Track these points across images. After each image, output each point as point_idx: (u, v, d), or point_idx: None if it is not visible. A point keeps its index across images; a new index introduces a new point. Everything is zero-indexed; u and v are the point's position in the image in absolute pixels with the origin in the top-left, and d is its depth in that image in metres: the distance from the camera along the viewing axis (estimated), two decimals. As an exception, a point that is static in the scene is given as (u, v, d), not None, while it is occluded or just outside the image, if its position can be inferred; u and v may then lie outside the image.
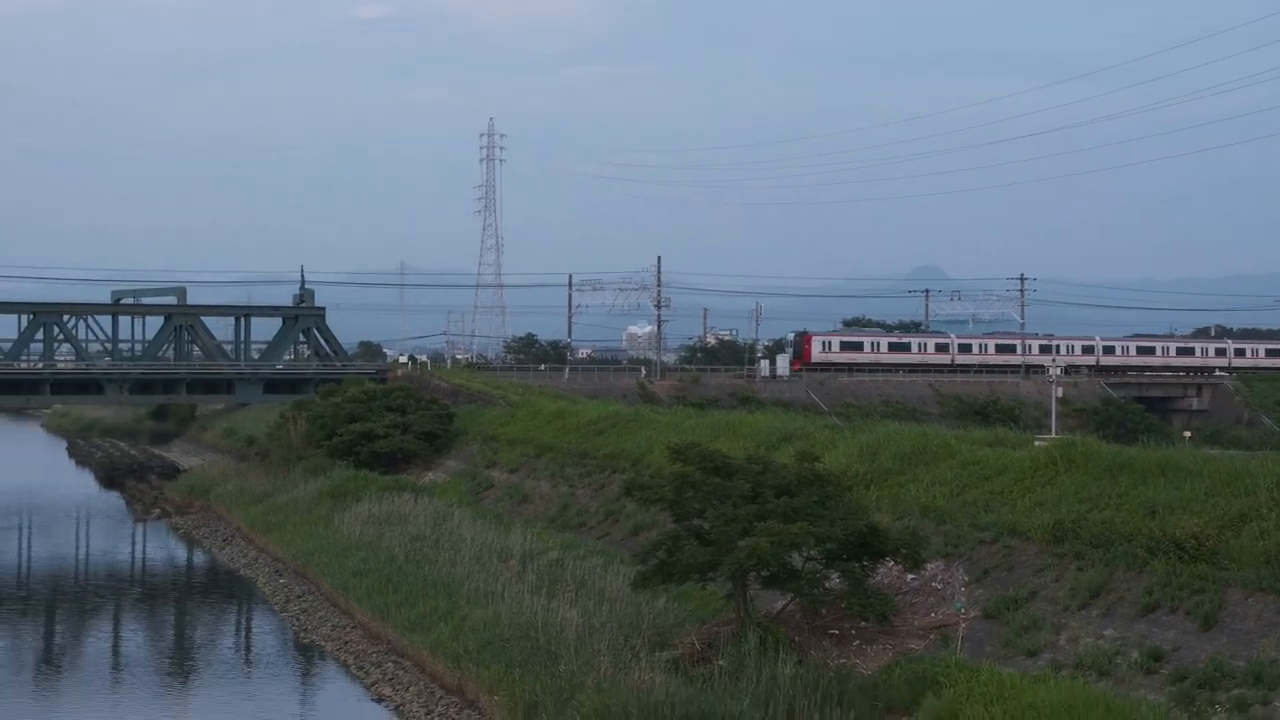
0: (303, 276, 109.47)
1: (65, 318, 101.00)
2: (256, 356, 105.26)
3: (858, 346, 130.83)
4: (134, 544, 75.75)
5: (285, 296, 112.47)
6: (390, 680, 42.55)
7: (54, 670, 46.94)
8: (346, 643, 47.85)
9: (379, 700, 41.21)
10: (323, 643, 48.71)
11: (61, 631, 54.07)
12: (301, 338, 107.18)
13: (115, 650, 50.87)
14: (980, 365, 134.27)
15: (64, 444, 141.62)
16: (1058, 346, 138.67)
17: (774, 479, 38.53)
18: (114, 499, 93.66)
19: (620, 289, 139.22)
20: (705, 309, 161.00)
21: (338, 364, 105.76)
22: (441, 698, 39.97)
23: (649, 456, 58.45)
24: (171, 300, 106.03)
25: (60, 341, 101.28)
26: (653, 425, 68.20)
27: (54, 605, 58.55)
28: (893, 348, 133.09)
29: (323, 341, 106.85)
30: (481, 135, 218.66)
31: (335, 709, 42.10)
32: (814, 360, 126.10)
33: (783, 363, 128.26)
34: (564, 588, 45.30)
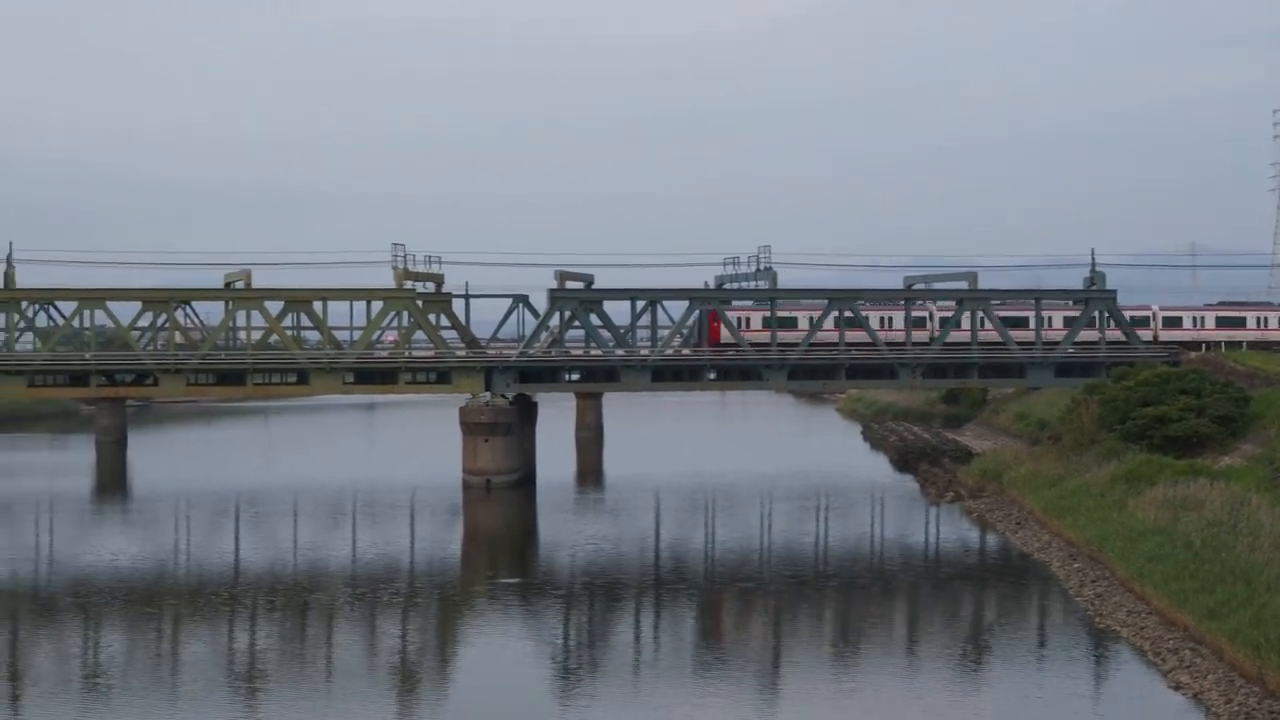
0: (1093, 259, 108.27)
1: (859, 302, 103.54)
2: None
3: (790, 323, 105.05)
4: (927, 526, 76.94)
5: (1075, 280, 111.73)
6: (1187, 667, 41.59)
7: (851, 642, 48.39)
8: (1141, 629, 47.09)
9: (1175, 688, 40.36)
10: (1117, 628, 48.11)
11: (856, 607, 55.48)
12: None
13: (912, 626, 51.90)
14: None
15: (858, 428, 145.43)
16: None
17: None
18: (907, 482, 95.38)
19: None
20: None
21: (1131, 347, 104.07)
22: (1241, 687, 38.78)
23: None
24: (963, 285, 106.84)
25: (854, 327, 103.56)
26: None
27: (852, 583, 60.21)
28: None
29: (1113, 325, 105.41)
30: (1275, 111, 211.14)
31: (1129, 694, 41.45)
32: (723, 342, 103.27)
33: None
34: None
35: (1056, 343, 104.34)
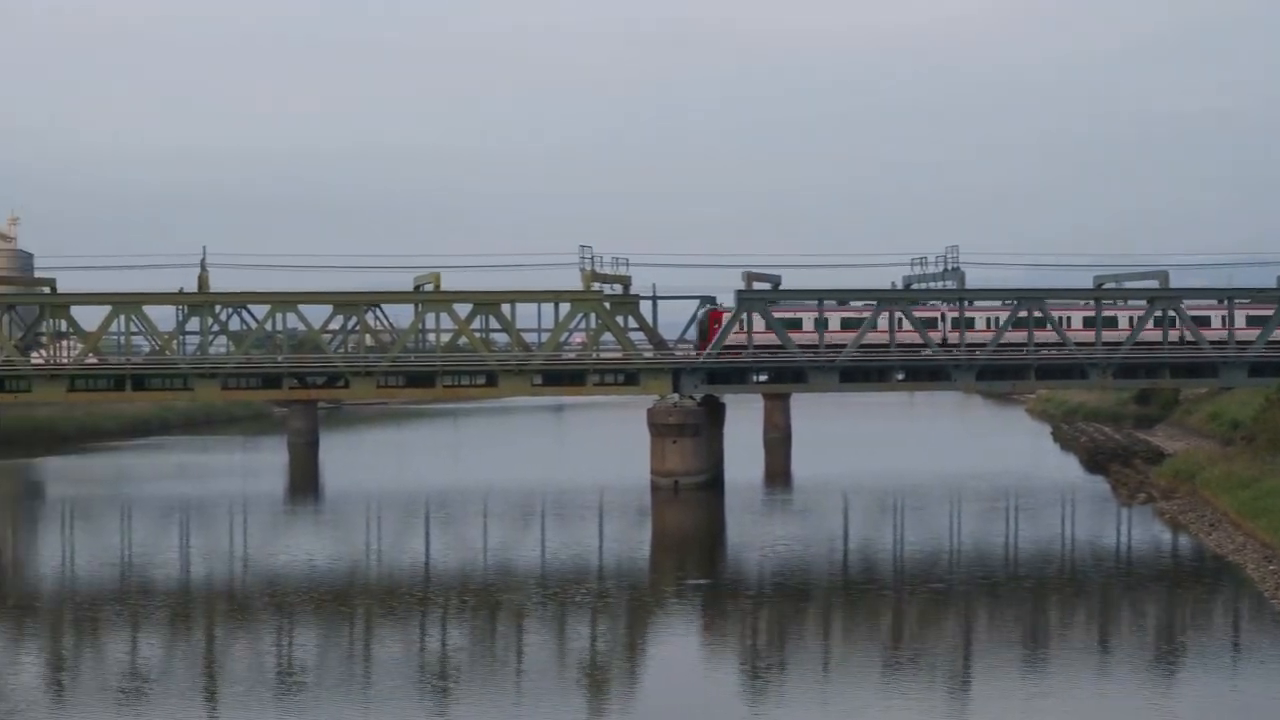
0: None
1: (1045, 302, 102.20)
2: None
3: (794, 324, 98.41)
4: (1119, 528, 75.98)
5: (1269, 278, 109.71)
6: (1384, 671, 40.80)
7: (1043, 644, 47.96)
8: (1339, 632, 46.25)
9: (1371, 691, 39.62)
10: (1315, 631, 47.27)
11: (1047, 609, 54.95)
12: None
13: (1104, 628, 51.34)
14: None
15: (1047, 428, 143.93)
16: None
17: None
18: (1098, 483, 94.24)
19: None
20: None
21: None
22: None
23: None
24: (1153, 284, 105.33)
25: (1043, 328, 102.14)
26: None
27: (1043, 585, 59.64)
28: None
29: None
30: None
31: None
32: (727, 343, 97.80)
33: None
34: None
35: (1250, 342, 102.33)
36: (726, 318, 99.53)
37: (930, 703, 40.63)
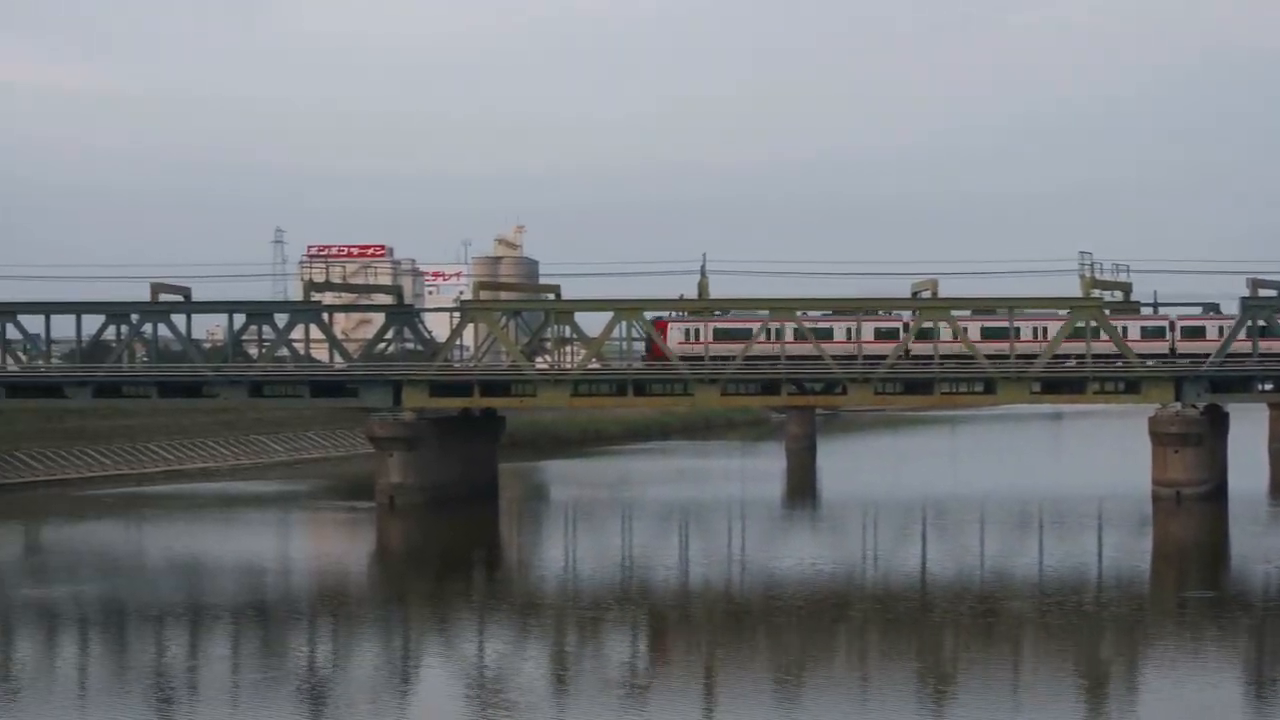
0: None
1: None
2: None
3: (741, 335, 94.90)
4: None
5: None
6: None
7: None
8: None
9: None
10: None
11: None
12: None
13: None
14: None
15: None
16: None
17: None
18: None
19: None
20: None
21: None
22: None
23: None
24: None
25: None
26: None
27: None
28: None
29: None
30: None
31: None
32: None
33: None
34: None
35: None
36: (671, 328, 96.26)
37: None
